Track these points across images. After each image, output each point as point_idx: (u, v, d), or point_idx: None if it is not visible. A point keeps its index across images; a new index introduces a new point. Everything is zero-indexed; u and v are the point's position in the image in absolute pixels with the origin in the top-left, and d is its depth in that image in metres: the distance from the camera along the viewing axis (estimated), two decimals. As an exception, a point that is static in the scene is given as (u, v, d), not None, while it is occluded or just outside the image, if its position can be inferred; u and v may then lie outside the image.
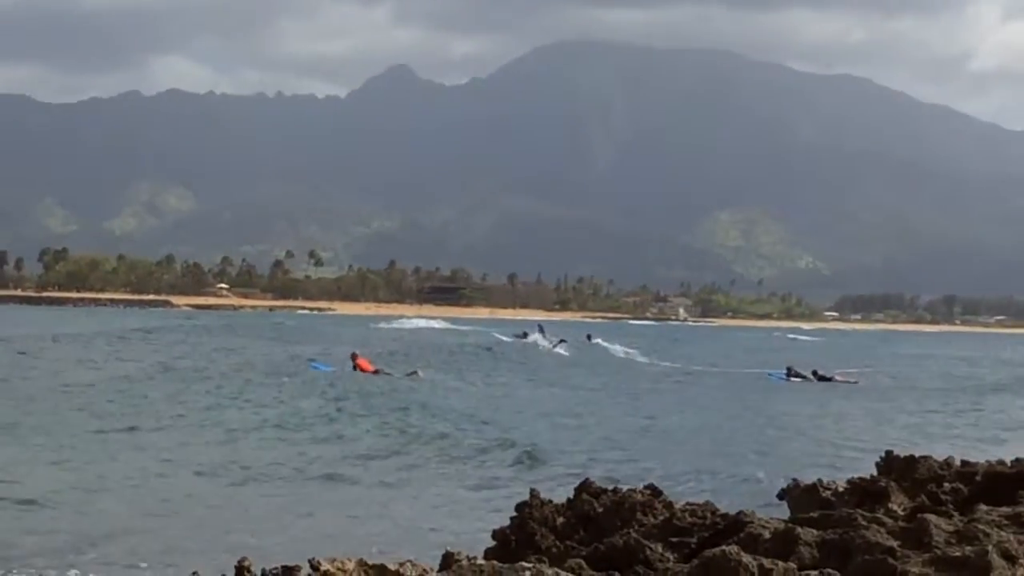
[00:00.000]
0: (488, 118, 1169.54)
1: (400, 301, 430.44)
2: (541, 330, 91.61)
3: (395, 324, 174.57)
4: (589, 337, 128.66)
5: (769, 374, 75.74)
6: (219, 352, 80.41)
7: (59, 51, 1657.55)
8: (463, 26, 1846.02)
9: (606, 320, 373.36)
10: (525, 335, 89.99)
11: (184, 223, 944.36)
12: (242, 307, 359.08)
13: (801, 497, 16.78)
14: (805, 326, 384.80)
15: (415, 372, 62.82)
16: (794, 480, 17.98)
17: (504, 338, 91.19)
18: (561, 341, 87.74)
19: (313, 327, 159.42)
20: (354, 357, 64.21)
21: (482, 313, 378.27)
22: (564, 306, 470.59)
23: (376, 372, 62.29)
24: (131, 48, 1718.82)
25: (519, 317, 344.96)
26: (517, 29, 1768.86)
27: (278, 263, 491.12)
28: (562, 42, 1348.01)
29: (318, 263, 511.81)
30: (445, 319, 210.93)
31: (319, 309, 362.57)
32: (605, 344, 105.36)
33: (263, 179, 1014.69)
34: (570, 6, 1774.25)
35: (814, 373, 73.09)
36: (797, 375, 72.80)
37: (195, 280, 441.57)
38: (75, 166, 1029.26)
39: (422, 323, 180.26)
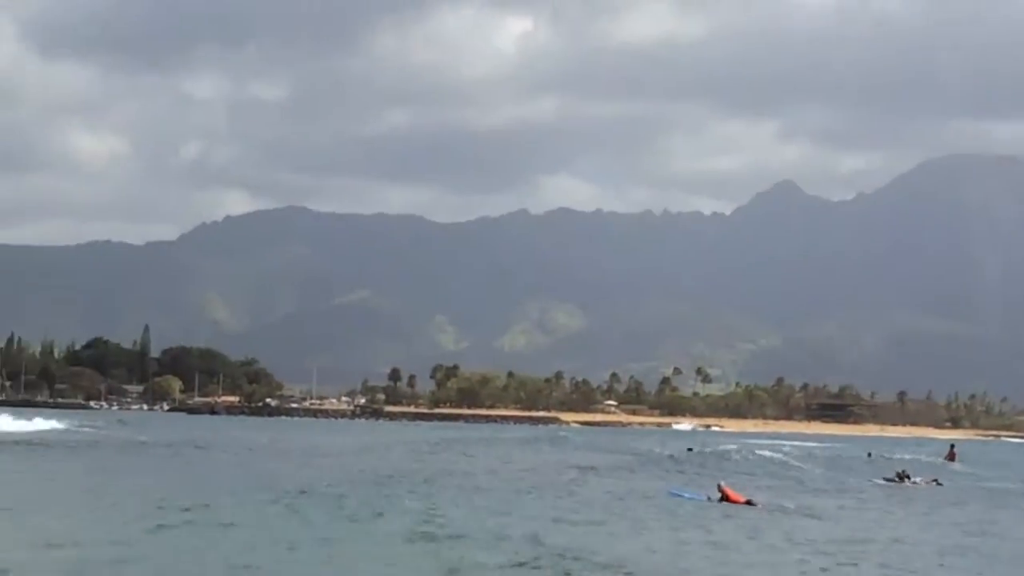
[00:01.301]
0: (875, 233, 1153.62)
1: (788, 418, 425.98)
2: (909, 476, 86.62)
3: (765, 442, 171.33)
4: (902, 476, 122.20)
5: None
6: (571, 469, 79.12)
7: (453, 173, 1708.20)
8: (850, 141, 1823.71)
9: (984, 437, 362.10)
10: (901, 479, 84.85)
11: (572, 340, 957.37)
12: (630, 424, 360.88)
13: None
14: None
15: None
16: None
17: (879, 481, 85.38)
18: (935, 481, 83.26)
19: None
20: (720, 488, 60.19)
21: (871, 431, 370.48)
22: (955, 424, 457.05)
23: (748, 503, 58.14)
24: (521, 168, 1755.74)
25: (909, 435, 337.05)
26: (904, 144, 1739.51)
27: (665, 380, 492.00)
28: (950, 156, 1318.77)
29: (705, 380, 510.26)
30: (817, 439, 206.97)
31: (706, 426, 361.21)
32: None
33: (650, 296, 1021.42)
34: (957, 120, 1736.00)
35: None
36: None
37: (583, 397, 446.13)
38: (466, 284, 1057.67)
39: (794, 443, 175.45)
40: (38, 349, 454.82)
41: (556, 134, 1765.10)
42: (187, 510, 43.19)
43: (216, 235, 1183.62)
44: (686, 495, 61.66)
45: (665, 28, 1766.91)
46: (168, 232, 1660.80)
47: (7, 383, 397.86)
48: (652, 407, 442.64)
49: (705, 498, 59.76)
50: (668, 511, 53.40)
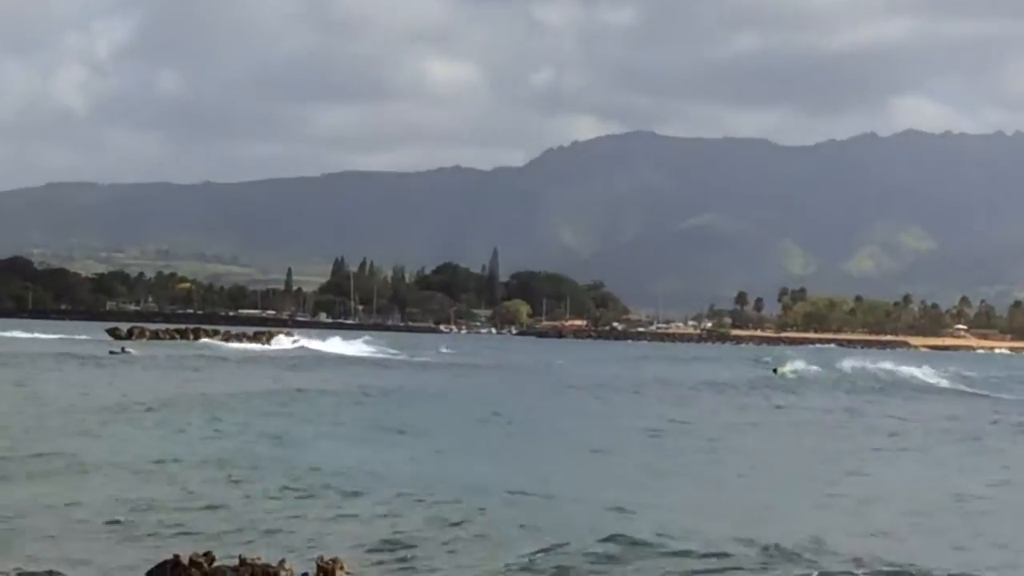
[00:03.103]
0: None
1: None
2: None
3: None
4: None
5: None
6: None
7: (800, 96, 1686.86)
8: None
9: None
10: None
11: (921, 264, 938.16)
12: (979, 348, 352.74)
13: None
14: None
15: None
16: None
17: None
18: None
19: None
20: None
21: None
22: None
23: None
24: (871, 89, 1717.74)
25: None
26: None
27: (1017, 304, 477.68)
28: None
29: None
30: None
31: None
32: None
33: (1001, 218, 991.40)
34: None
35: None
36: None
37: (932, 321, 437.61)
38: (813, 208, 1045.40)
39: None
40: (390, 274, 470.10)
41: (907, 55, 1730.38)
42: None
43: (563, 160, 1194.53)
44: None
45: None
46: (516, 158, 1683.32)
47: (360, 307, 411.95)
48: (1003, 331, 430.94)
49: None
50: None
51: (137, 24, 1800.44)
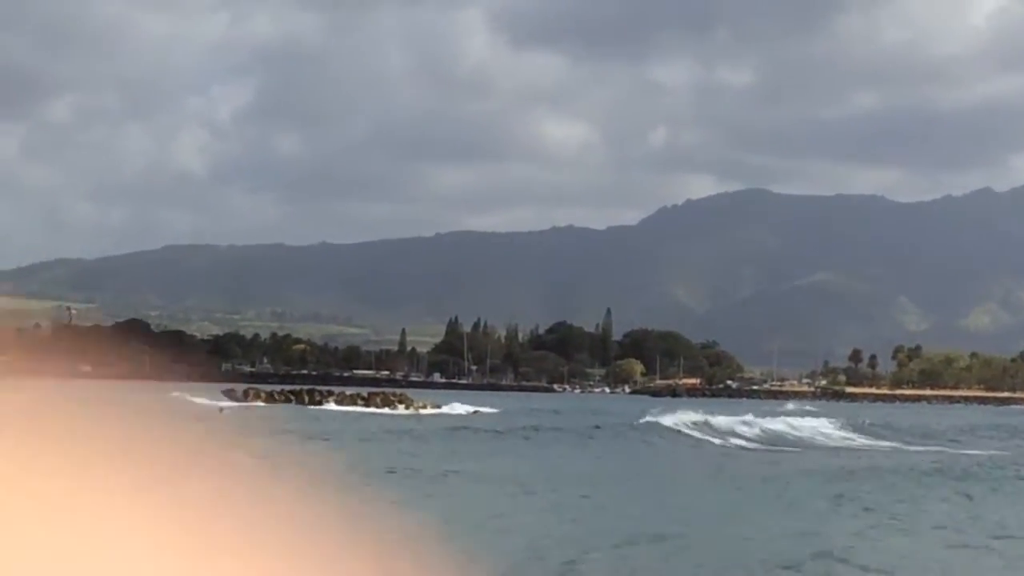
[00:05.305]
0: None
1: None
2: None
3: None
4: None
5: None
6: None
7: (916, 152, 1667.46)
8: None
9: None
10: None
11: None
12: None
13: None
14: None
15: None
16: None
17: None
18: None
19: None
20: None
21: None
22: None
23: None
24: (988, 146, 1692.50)
25: None
26: None
27: None
28: None
29: None
30: None
31: None
32: None
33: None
34: None
35: None
36: None
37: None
38: (928, 264, 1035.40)
39: None
40: (503, 333, 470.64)
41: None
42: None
43: (677, 218, 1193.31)
44: None
45: None
46: (630, 216, 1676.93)
47: (474, 367, 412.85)
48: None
49: None
50: None
51: (255, 87, 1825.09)
